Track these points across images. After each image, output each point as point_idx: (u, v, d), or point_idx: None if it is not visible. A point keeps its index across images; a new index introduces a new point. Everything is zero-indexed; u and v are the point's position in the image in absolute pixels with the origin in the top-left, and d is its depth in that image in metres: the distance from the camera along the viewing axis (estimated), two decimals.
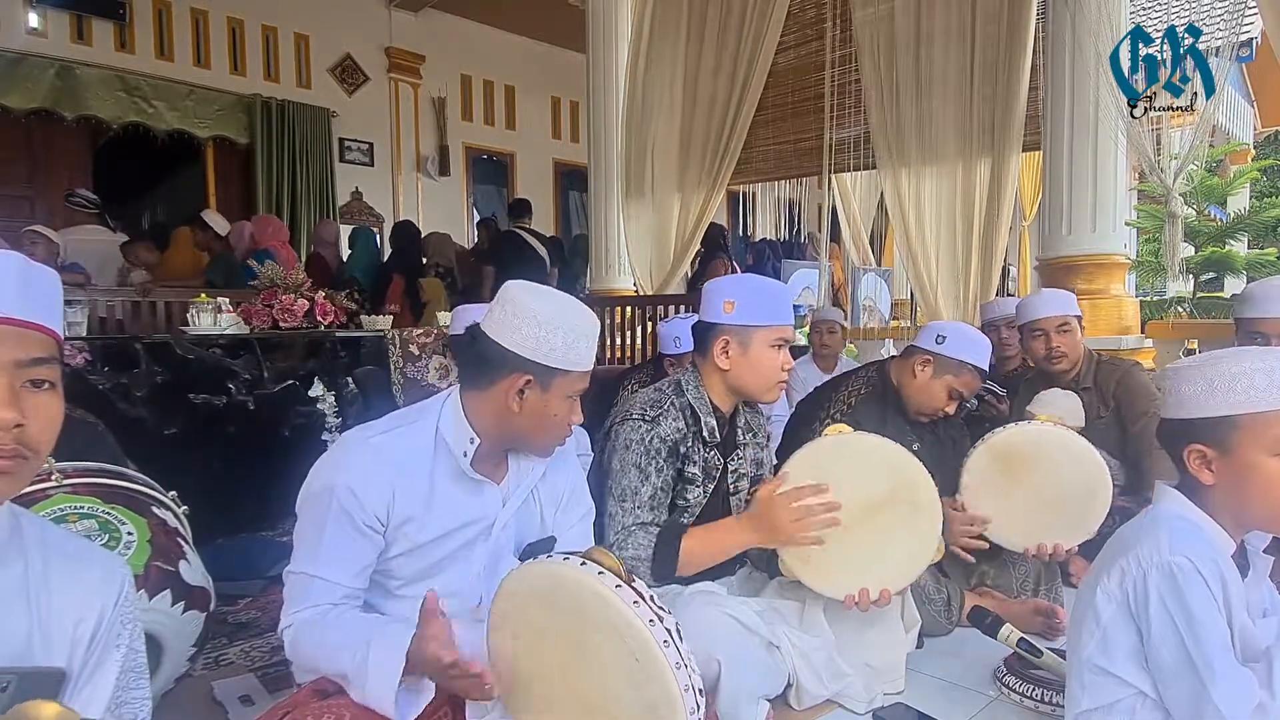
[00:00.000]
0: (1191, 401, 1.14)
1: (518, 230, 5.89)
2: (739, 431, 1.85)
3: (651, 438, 1.66)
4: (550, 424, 1.27)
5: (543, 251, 5.81)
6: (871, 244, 7.40)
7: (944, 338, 2.14)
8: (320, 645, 1.14)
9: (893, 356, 2.39)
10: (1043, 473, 1.97)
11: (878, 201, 6.96)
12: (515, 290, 1.25)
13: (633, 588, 1.01)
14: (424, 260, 5.68)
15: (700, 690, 1.00)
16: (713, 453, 1.77)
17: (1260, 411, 1.09)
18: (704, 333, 1.75)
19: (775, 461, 2.02)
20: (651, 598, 1.01)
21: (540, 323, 1.21)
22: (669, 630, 0.99)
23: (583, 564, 1.03)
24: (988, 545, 2.01)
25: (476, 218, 8.62)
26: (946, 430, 2.35)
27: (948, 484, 1.98)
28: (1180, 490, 1.21)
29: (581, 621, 1.02)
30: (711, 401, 1.76)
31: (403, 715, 1.07)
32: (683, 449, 1.71)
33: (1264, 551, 1.23)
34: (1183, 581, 1.11)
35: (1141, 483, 2.42)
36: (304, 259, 5.84)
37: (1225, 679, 1.08)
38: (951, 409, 2.18)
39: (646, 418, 1.68)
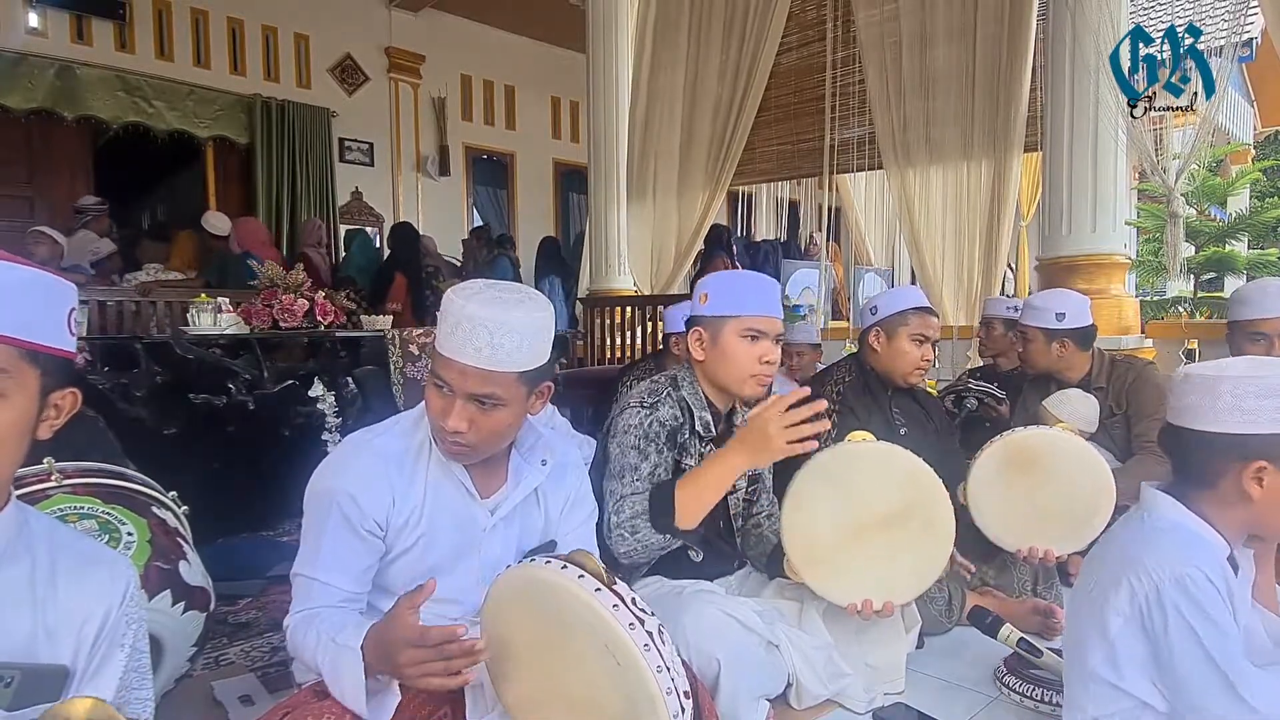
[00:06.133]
0: (1267, 417, 1.09)
1: (506, 256, 7.08)
2: (734, 428, 1.85)
3: (650, 422, 1.68)
4: (428, 400, 1.23)
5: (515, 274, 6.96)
6: (890, 243, 7.42)
7: (875, 307, 2.27)
8: (305, 646, 1.15)
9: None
10: (1051, 478, 1.94)
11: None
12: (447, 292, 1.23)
13: (613, 591, 1.00)
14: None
15: (685, 693, 0.99)
16: (709, 448, 1.77)
17: None
18: (686, 327, 1.80)
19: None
20: (634, 600, 1.01)
21: (440, 311, 1.21)
22: (650, 634, 0.98)
23: (564, 568, 1.02)
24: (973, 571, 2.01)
25: (476, 218, 8.67)
26: (929, 419, 2.36)
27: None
28: (1172, 494, 1.19)
29: (563, 626, 1.02)
30: (706, 397, 1.77)
31: (375, 716, 1.07)
32: (680, 438, 1.72)
33: (1243, 545, 1.23)
34: (1198, 593, 1.10)
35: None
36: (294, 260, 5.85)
37: (1253, 681, 1.09)
38: (929, 354, 2.24)
39: (645, 404, 1.70)
